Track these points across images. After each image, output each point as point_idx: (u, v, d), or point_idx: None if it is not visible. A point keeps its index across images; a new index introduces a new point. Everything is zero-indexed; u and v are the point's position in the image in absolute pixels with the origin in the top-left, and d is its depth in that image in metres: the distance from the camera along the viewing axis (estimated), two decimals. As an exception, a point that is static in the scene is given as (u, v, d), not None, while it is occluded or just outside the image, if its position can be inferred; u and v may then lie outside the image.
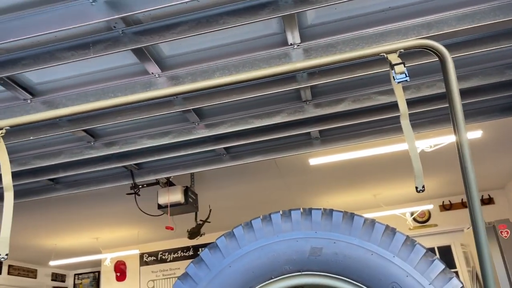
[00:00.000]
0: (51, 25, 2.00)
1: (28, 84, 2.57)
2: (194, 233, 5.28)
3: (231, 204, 6.46)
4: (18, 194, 3.92)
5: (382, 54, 1.30)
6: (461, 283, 1.05)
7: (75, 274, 10.19)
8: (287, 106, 2.99)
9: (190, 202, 4.44)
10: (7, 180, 1.38)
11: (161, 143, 3.15)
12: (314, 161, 4.72)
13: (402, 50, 1.29)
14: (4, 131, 1.39)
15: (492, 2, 2.19)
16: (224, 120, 3.05)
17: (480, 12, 2.21)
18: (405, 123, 1.27)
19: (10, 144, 3.00)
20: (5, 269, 8.32)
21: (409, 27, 2.30)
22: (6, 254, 1.35)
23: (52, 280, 9.62)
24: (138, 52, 2.29)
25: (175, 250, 8.61)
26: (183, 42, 2.36)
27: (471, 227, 1.13)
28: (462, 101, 1.29)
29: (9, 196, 1.37)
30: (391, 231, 1.13)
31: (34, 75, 2.52)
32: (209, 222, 5.38)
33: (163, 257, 8.64)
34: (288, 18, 2.15)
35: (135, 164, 3.75)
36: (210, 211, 5.49)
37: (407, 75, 1.26)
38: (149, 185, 4.25)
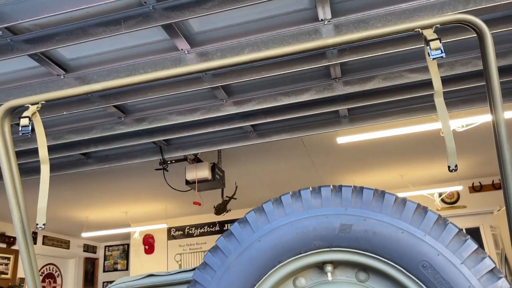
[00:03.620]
0: (83, 0, 2.02)
1: (61, 60, 2.62)
2: (220, 209, 5.36)
3: (257, 181, 6.51)
4: (52, 167, 4.04)
5: (417, 29, 1.26)
6: (494, 263, 1.03)
7: (105, 246, 10.53)
8: (316, 84, 2.96)
9: (217, 179, 4.49)
10: (44, 153, 1.42)
11: (189, 120, 3.19)
12: (341, 139, 4.67)
13: (438, 26, 1.24)
14: (40, 105, 1.43)
15: (535, -25, 2.09)
16: (252, 97, 3.05)
17: (522, -15, 2.11)
18: (439, 100, 1.23)
19: (45, 118, 3.08)
20: (40, 239, 8.67)
21: (445, 1, 2.22)
22: (44, 224, 1.40)
23: (84, 251, 9.98)
24: (168, 28, 2.30)
25: (201, 226, 8.77)
26: (213, 18, 2.35)
27: (502, 209, 1.10)
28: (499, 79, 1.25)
29: (45, 168, 1.41)
30: (422, 209, 1.12)
31: (67, 51, 2.57)
32: (235, 198, 5.44)
33: (190, 232, 8.82)
34: (320, -7, 2.11)
35: (164, 140, 3.80)
36: (236, 188, 5.55)
37: (443, 51, 1.22)
38: (177, 161, 4.31)
